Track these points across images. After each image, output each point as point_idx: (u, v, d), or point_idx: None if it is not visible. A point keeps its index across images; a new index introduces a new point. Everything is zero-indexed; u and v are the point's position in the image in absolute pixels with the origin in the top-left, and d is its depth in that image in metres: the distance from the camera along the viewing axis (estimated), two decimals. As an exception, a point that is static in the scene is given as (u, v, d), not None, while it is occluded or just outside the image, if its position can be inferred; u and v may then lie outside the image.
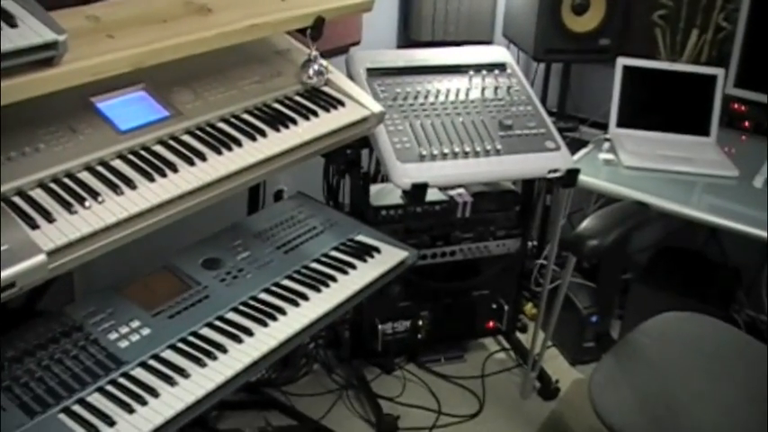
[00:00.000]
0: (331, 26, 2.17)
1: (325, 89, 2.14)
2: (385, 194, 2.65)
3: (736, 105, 3.13)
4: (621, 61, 2.93)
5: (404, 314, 2.77)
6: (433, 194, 2.59)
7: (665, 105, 2.99)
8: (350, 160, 2.48)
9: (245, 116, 1.94)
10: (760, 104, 3.05)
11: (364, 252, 2.13)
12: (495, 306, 2.91)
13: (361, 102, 2.12)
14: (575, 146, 2.92)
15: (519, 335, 3.13)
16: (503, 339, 3.13)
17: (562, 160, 2.47)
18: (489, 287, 2.85)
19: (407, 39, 3.31)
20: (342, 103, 2.09)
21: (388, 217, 2.58)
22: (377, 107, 2.12)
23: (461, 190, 2.67)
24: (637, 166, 2.71)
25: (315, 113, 2.01)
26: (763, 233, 2.40)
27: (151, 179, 1.65)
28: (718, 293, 3.12)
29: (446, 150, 2.36)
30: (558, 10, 2.92)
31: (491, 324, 2.94)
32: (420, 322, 2.80)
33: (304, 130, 1.95)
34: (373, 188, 2.66)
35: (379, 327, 2.76)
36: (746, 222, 2.44)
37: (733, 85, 3.00)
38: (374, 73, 2.54)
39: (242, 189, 1.82)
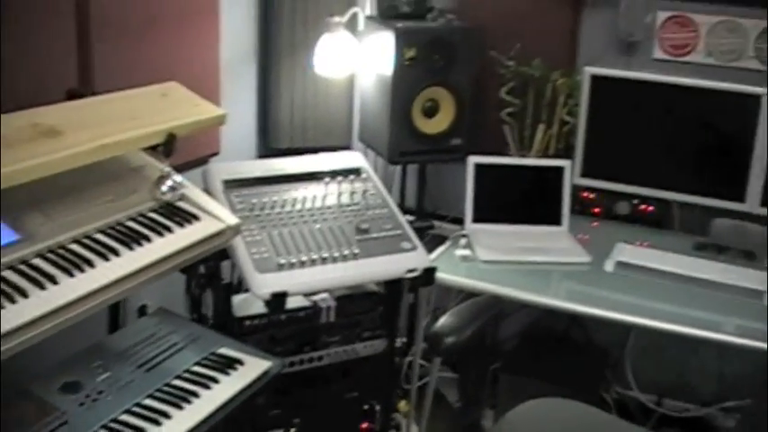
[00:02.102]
0: (188, 138, 2.19)
1: (181, 204, 2.14)
2: (250, 304, 2.64)
3: (585, 194, 3.28)
4: (472, 159, 3.04)
5: (276, 423, 2.73)
6: (296, 301, 2.59)
7: (517, 199, 3.11)
8: (210, 274, 2.48)
9: (98, 236, 1.93)
10: (607, 191, 3.21)
11: (227, 365, 2.11)
12: (366, 407, 2.90)
13: (216, 215, 2.13)
14: (436, 242, 3.00)
15: (394, 433, 3.13)
16: (378, 439, 3.13)
17: (419, 260, 2.52)
18: (360, 389, 2.84)
19: (267, 147, 3.36)
20: (197, 218, 2.10)
21: (252, 327, 2.57)
22: (232, 220, 2.13)
23: (325, 295, 2.68)
24: (493, 259, 2.80)
25: (169, 229, 2.02)
26: (616, 315, 2.51)
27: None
28: (586, 374, 3.21)
29: (304, 258, 2.39)
30: (409, 114, 3.03)
31: (365, 425, 2.94)
32: (293, 430, 2.78)
33: (158, 248, 1.95)
34: (238, 298, 2.65)
35: (252, 438, 2.72)
36: (601, 306, 2.55)
37: (579, 174, 3.15)
38: (231, 184, 2.55)
39: (96, 311, 1.80)
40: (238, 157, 3.02)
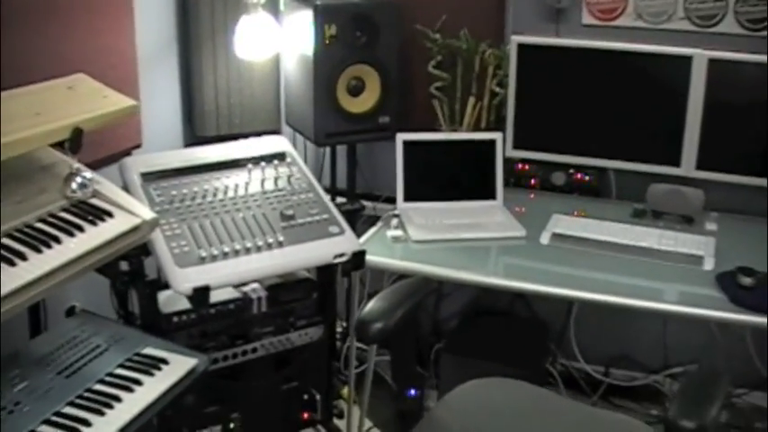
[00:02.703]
0: (106, 131, 2.10)
1: (93, 201, 2.06)
2: (178, 299, 2.55)
3: (520, 166, 3.24)
4: (401, 137, 2.98)
5: (214, 420, 2.67)
6: (226, 293, 2.52)
7: (450, 175, 3.06)
8: (132, 271, 2.39)
9: (4, 240, 1.84)
10: (541, 162, 3.17)
11: (151, 366, 2.03)
12: (307, 396, 2.84)
13: (131, 210, 2.05)
14: (371, 223, 2.94)
15: (337, 421, 3.06)
16: (322, 428, 3.07)
17: (347, 244, 2.46)
18: (298, 378, 2.78)
19: (194, 136, 3.27)
20: (110, 215, 2.02)
21: (181, 323, 2.48)
22: (148, 214, 2.05)
23: (255, 285, 2.61)
24: (425, 238, 2.74)
25: (81, 228, 1.94)
26: (554, 290, 2.47)
27: None
28: (531, 349, 3.18)
29: (227, 249, 2.32)
30: (333, 94, 2.96)
31: (306, 415, 2.88)
32: (231, 425, 2.70)
33: (69, 248, 1.87)
34: (166, 294, 2.55)
35: (190, 437, 2.65)
36: (539, 281, 2.50)
37: (512, 147, 3.10)
38: (149, 177, 2.46)
39: (7, 318, 1.72)
40: (164, 149, 2.91)
